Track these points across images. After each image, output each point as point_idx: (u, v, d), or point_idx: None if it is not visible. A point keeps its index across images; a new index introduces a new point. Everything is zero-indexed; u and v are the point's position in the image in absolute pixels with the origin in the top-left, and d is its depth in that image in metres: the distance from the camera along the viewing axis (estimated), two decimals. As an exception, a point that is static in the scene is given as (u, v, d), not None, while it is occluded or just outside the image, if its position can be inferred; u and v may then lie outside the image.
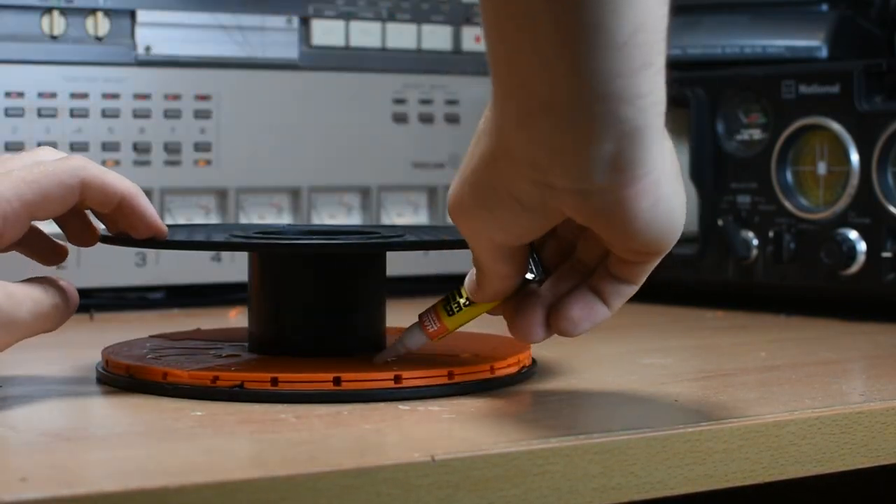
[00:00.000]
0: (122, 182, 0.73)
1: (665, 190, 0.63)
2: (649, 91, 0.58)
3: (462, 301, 0.71)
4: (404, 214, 1.25)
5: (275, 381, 0.70)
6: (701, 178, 1.15)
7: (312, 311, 0.76)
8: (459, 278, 0.69)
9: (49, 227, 0.79)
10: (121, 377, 0.74)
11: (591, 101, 0.57)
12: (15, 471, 0.55)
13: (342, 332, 0.77)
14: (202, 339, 0.83)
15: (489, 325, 0.91)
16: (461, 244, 0.77)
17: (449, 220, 1.16)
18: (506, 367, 0.75)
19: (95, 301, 1.11)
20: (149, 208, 0.74)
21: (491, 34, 0.59)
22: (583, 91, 0.57)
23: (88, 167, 0.72)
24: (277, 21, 1.19)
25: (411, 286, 1.25)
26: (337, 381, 0.70)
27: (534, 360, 0.80)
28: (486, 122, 0.63)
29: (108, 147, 1.12)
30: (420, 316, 0.73)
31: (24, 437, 0.63)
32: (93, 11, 1.12)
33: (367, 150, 1.23)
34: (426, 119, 1.26)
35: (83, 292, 1.12)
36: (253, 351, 0.77)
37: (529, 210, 0.63)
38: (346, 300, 0.77)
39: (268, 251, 0.77)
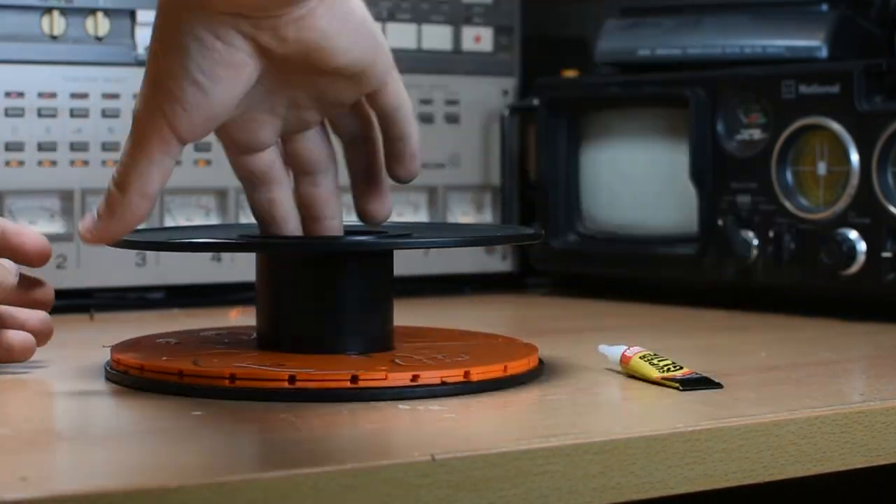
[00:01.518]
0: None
1: (350, 5, 0.71)
2: None
3: None
4: (404, 214, 1.25)
5: (233, 378, 0.70)
6: (701, 178, 1.15)
7: (316, 310, 0.76)
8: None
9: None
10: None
11: None
12: (15, 470, 0.55)
13: (344, 331, 0.76)
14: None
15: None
16: (468, 243, 0.77)
17: (449, 219, 1.16)
18: (484, 373, 0.74)
19: (95, 301, 1.11)
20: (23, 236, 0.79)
21: None
22: None
23: None
24: (277, 21, 1.19)
25: (416, 286, 1.25)
26: (292, 379, 0.69)
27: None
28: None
29: (107, 147, 1.12)
30: None
31: (24, 437, 0.63)
32: (93, 11, 1.12)
33: (367, 150, 1.23)
34: (426, 119, 1.26)
35: (83, 292, 1.12)
36: (261, 349, 0.77)
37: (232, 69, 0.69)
38: (347, 300, 0.76)
39: (271, 252, 0.77)
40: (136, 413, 0.68)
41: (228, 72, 0.69)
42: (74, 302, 1.09)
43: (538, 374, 0.78)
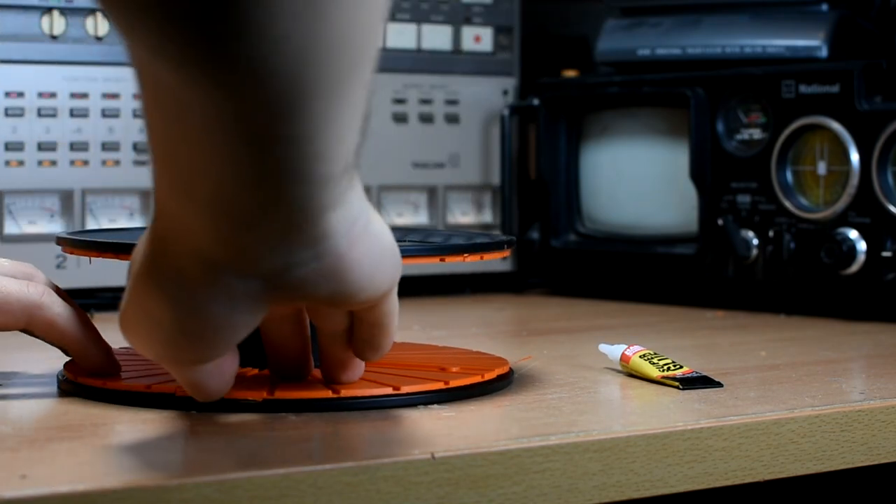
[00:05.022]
0: (70, 328, 0.71)
1: (376, 226, 0.60)
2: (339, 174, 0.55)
3: None
4: (404, 214, 1.25)
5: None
6: (701, 178, 1.15)
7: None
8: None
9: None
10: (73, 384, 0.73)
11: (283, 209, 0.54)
12: (15, 468, 0.55)
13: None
14: None
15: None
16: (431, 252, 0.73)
17: (449, 219, 1.15)
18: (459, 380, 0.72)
19: (96, 301, 1.11)
20: (91, 351, 0.72)
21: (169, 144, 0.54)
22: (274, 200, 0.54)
23: (43, 310, 0.71)
24: (277, 21, 1.19)
25: (416, 286, 1.25)
26: (271, 391, 0.68)
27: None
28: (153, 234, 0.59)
29: (107, 147, 1.12)
30: None
31: (24, 435, 0.63)
32: (93, 11, 1.12)
33: (367, 150, 1.23)
34: (426, 119, 1.26)
35: (84, 292, 1.12)
36: None
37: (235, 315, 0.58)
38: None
39: None
40: (136, 411, 0.68)
41: (228, 334, 0.59)
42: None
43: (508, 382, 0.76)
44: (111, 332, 0.91)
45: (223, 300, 0.57)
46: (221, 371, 0.62)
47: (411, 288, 1.24)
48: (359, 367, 0.69)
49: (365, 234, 0.58)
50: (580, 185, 1.25)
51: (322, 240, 0.56)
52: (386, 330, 0.65)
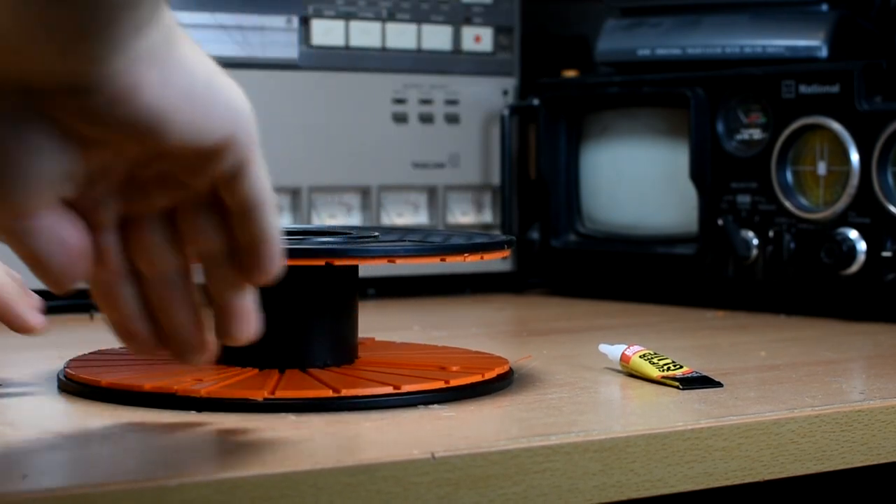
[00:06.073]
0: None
1: (182, 54, 0.53)
2: None
3: None
4: (404, 214, 1.25)
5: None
6: (701, 178, 1.15)
7: (278, 324, 0.71)
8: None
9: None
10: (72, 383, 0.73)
11: None
12: (16, 468, 0.55)
13: (298, 344, 0.73)
14: None
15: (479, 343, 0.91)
16: (431, 252, 0.73)
17: (449, 219, 1.15)
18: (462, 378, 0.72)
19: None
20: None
21: None
22: None
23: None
24: (277, 21, 1.19)
25: (416, 286, 1.25)
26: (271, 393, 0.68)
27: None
28: None
29: (108, 147, 1.12)
30: None
31: (24, 435, 0.63)
32: (93, 11, 1.11)
33: (367, 150, 1.23)
34: (426, 119, 1.26)
35: (83, 293, 1.12)
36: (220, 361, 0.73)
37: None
38: (303, 310, 0.73)
39: None
40: (136, 411, 0.68)
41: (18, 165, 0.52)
42: (74, 302, 1.09)
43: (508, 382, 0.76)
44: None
45: (11, 123, 0.52)
46: (54, 236, 0.55)
47: (411, 288, 1.24)
48: (252, 319, 0.60)
49: (167, 60, 0.53)
50: (580, 185, 1.25)
51: (113, 56, 0.51)
52: (259, 218, 0.57)
